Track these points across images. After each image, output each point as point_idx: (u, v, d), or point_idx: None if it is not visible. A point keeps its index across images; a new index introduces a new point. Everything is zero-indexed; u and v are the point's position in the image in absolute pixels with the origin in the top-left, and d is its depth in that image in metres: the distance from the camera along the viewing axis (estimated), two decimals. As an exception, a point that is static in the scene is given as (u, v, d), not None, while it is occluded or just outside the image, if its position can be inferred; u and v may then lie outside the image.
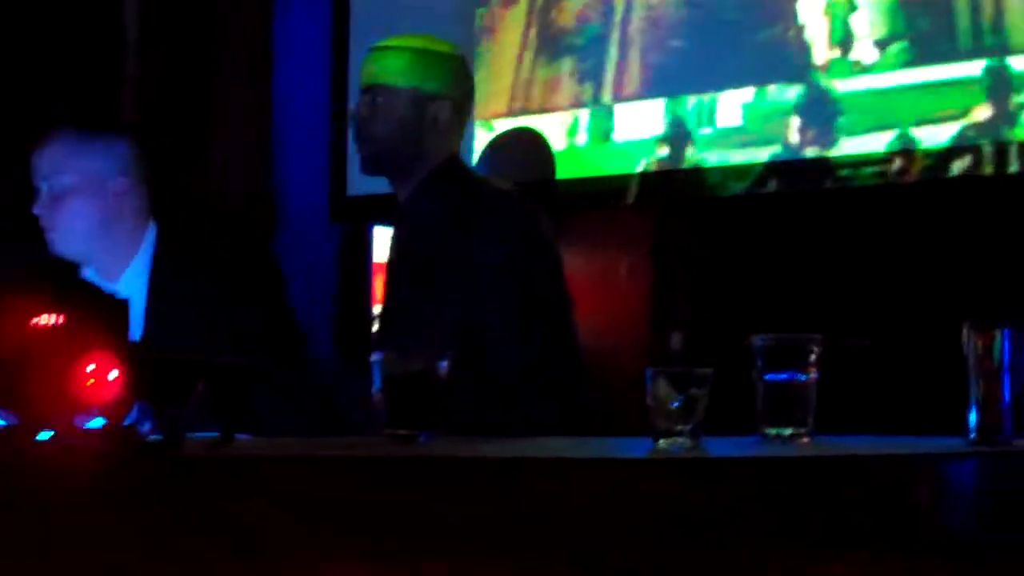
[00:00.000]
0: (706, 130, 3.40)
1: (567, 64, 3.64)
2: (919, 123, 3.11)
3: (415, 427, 1.87)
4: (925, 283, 3.04)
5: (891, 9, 3.17)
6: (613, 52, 3.57)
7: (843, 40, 3.23)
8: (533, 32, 3.71)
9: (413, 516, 1.42)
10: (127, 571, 1.40)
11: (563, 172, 3.54)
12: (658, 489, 1.50)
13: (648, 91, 3.50)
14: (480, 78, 3.01)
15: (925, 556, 1.52)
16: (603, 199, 3.53)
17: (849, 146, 3.19)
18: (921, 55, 3.13)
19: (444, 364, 1.90)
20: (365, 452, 1.69)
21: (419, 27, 3.24)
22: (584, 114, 3.59)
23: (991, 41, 3.04)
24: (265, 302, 2.83)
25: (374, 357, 1.91)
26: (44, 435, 1.53)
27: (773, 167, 3.28)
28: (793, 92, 3.27)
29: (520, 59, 3.72)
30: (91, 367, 1.53)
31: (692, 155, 3.41)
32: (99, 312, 1.58)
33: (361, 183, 3.45)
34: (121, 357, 1.54)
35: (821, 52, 3.25)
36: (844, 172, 3.20)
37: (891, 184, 3.14)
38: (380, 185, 2.99)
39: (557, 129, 3.59)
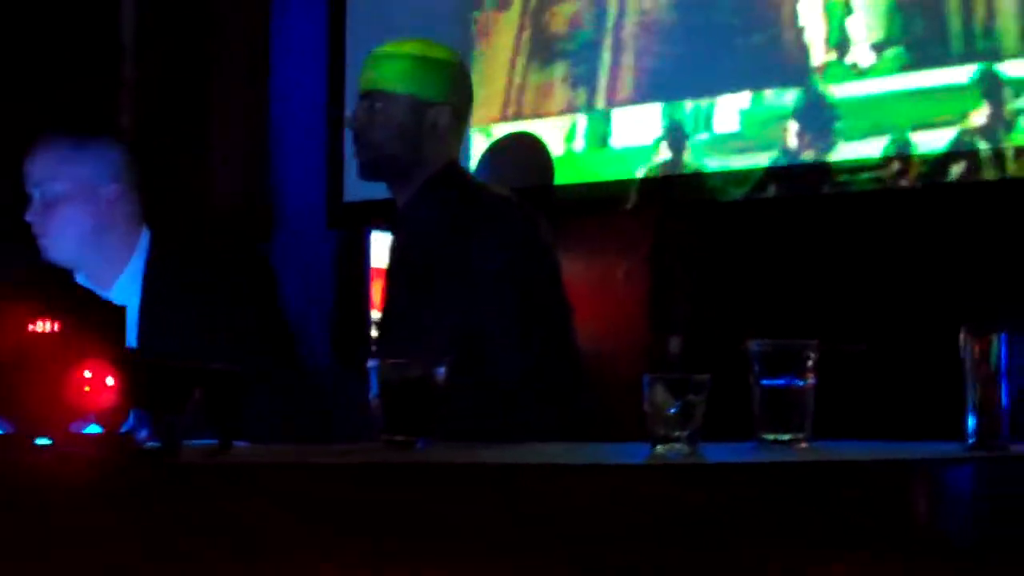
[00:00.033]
0: (703, 135, 3.40)
1: (560, 69, 3.64)
2: (916, 128, 3.11)
3: (412, 433, 1.87)
4: (922, 288, 3.04)
5: (887, 13, 3.17)
6: (606, 57, 3.57)
7: (839, 44, 3.23)
8: (526, 37, 3.71)
9: (411, 522, 1.42)
10: (124, 578, 1.40)
11: (561, 178, 3.54)
12: (656, 494, 1.50)
13: (642, 96, 3.50)
14: (474, 82, 3.01)
15: (923, 560, 1.52)
16: (603, 205, 3.53)
17: (846, 151, 3.20)
18: (917, 60, 3.13)
19: (442, 370, 1.89)
20: (362, 458, 1.69)
21: (416, 29, 3.24)
22: (581, 120, 3.59)
23: (983, 45, 3.05)
24: (258, 304, 2.83)
25: (371, 363, 1.91)
26: (40, 442, 1.53)
27: (772, 172, 3.28)
28: (790, 97, 3.27)
29: (513, 64, 3.72)
30: (87, 374, 1.53)
31: (690, 161, 3.41)
32: (95, 318, 1.57)
33: (358, 188, 3.45)
34: (117, 364, 1.53)
35: (817, 56, 3.25)
36: (842, 177, 3.19)
37: (888, 189, 3.14)
38: (377, 190, 2.99)
39: (554, 135, 3.59)
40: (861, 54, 3.20)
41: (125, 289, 2.81)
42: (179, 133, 4.11)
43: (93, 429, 1.54)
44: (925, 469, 1.70)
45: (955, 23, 3.08)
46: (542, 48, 3.68)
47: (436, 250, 2.76)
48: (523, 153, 3.50)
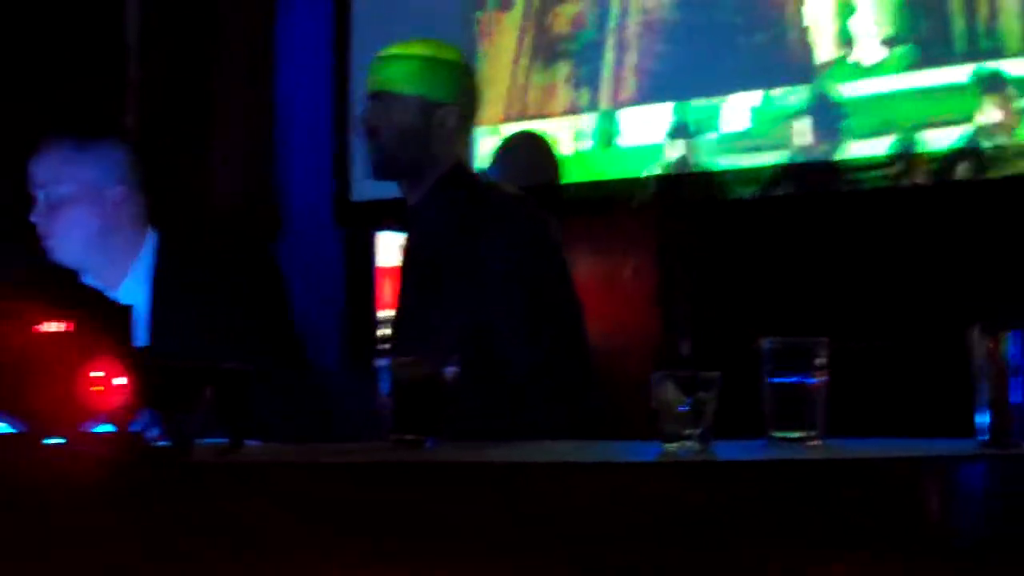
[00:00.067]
0: (711, 135, 3.39)
1: (563, 70, 3.64)
2: (923, 127, 3.10)
3: (422, 432, 1.87)
4: (933, 285, 3.03)
5: (892, 10, 3.17)
6: (609, 57, 3.56)
7: (845, 42, 3.23)
8: (529, 37, 3.71)
9: (425, 521, 1.42)
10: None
11: (569, 177, 3.54)
12: (667, 493, 1.50)
13: (645, 96, 3.50)
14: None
15: (935, 558, 1.52)
16: (612, 203, 3.53)
17: (854, 149, 3.19)
18: (924, 58, 3.12)
19: (451, 369, 1.89)
20: (372, 458, 1.68)
21: (421, 28, 3.23)
22: (589, 119, 3.59)
23: (987, 44, 3.04)
24: (265, 304, 2.82)
25: (380, 362, 1.90)
26: (52, 441, 1.52)
27: (783, 171, 3.28)
28: (797, 96, 3.27)
29: (516, 64, 3.72)
30: (98, 373, 1.53)
31: (699, 159, 3.41)
32: (105, 318, 1.57)
33: (365, 188, 3.45)
34: (127, 363, 1.53)
35: (822, 55, 3.25)
36: (850, 176, 3.19)
37: (896, 187, 3.13)
38: (383, 190, 2.99)
39: (562, 134, 3.58)
40: (867, 51, 3.19)
41: (132, 290, 2.80)
42: (184, 133, 4.10)
43: (104, 428, 1.54)
44: (937, 467, 1.70)
45: (959, 22, 3.08)
46: (545, 49, 3.67)
47: (446, 249, 2.76)
48: (531, 152, 3.50)
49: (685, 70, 3.44)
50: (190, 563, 1.42)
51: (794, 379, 1.86)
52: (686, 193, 3.43)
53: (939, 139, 3.08)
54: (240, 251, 3.03)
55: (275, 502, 1.46)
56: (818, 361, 1.87)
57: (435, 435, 1.88)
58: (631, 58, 3.53)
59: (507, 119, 3.68)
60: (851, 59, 3.21)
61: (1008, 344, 1.85)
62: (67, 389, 1.51)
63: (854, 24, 3.21)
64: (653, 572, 1.40)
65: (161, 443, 1.58)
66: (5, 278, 1.62)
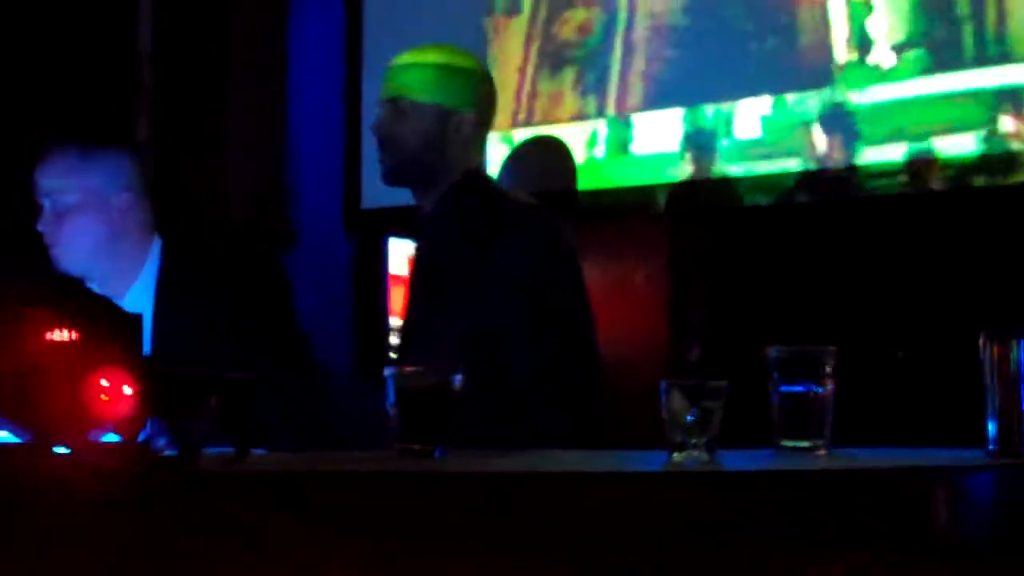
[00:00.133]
0: (724, 141, 3.39)
1: (570, 76, 3.63)
2: (938, 133, 3.09)
3: (429, 442, 1.86)
4: (943, 293, 3.02)
5: (906, 15, 3.16)
6: (617, 64, 3.56)
7: (858, 47, 3.22)
8: (536, 43, 3.70)
9: (432, 532, 1.41)
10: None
11: (583, 184, 3.53)
12: (671, 503, 1.49)
13: (653, 102, 3.50)
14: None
15: (943, 567, 1.51)
16: (625, 210, 3.52)
17: (868, 156, 3.18)
18: (936, 63, 3.11)
19: (458, 378, 1.89)
20: (379, 467, 1.68)
21: (433, 31, 3.23)
22: (601, 126, 3.58)
23: (997, 50, 3.03)
24: (270, 311, 2.82)
25: (387, 371, 1.90)
26: (59, 451, 1.53)
27: (799, 178, 3.27)
28: (811, 102, 3.26)
29: (523, 70, 3.71)
30: (105, 382, 1.53)
31: (713, 167, 3.40)
32: (112, 327, 1.57)
33: (376, 195, 3.45)
34: (134, 372, 1.53)
35: (835, 60, 3.24)
36: (866, 183, 3.18)
37: (909, 195, 3.12)
38: (394, 197, 2.98)
39: (575, 140, 3.58)
40: (880, 56, 3.18)
41: (138, 298, 2.80)
42: (196, 139, 4.11)
43: (111, 437, 1.54)
44: (945, 476, 1.69)
45: (968, 28, 3.07)
46: (552, 55, 3.67)
47: (455, 256, 2.75)
48: (545, 158, 3.50)
49: (694, 76, 3.44)
50: (197, 573, 1.42)
51: (802, 388, 1.86)
52: (701, 200, 3.42)
53: (954, 146, 3.07)
54: (246, 258, 3.02)
55: (283, 511, 1.46)
56: (826, 370, 1.87)
57: (443, 444, 1.87)
58: (639, 64, 3.53)
59: (514, 125, 3.68)
60: (864, 65, 3.20)
61: (1017, 352, 1.84)
62: (74, 398, 1.51)
63: (866, 29, 3.20)
64: (653, 571, 1.40)
65: (168, 452, 1.58)
66: (12, 287, 1.62)
